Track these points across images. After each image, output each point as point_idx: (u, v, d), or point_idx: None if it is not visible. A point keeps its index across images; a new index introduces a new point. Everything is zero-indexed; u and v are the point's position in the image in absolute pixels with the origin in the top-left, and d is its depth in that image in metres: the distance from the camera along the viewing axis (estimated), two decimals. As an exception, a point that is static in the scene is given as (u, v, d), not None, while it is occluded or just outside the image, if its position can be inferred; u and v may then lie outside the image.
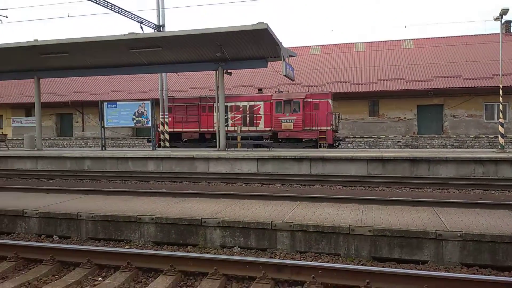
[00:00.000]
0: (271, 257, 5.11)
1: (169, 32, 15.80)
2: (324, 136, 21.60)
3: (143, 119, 18.83)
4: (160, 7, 22.09)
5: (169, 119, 24.21)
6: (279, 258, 5.05)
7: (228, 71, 18.35)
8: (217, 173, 13.83)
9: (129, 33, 15.44)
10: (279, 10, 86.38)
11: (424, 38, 33.85)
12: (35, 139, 19.93)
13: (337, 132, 23.30)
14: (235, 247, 5.53)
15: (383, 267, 4.67)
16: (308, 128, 21.78)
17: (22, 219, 6.46)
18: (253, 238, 5.51)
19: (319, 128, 21.58)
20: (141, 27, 21.52)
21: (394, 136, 28.11)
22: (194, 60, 18.05)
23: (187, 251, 5.43)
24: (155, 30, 21.86)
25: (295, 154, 14.28)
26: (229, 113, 22.85)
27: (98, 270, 4.84)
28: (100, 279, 4.66)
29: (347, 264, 4.78)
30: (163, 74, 23.43)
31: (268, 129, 22.38)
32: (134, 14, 21.35)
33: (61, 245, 5.31)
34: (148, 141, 28.13)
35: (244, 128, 22.40)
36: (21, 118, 33.92)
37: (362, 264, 4.83)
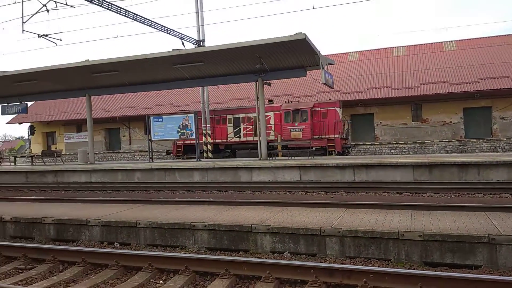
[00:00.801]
0: (321, 262, 5.25)
1: (209, 47, 16.38)
2: (333, 144, 21.88)
3: (187, 131, 19.51)
4: (200, 24, 22.88)
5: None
6: (329, 263, 5.18)
7: (268, 81, 18.67)
8: (260, 182, 14.09)
9: (173, 49, 16.13)
10: (315, 18, 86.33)
11: (466, 39, 32.71)
12: (88, 154, 21.12)
13: (347, 140, 23.43)
14: (285, 253, 5.71)
15: (435, 271, 4.69)
16: (317, 136, 22.09)
17: (86, 227, 6.99)
18: (302, 244, 5.67)
19: (327, 136, 21.84)
20: (183, 43, 22.37)
21: (440, 141, 27.27)
22: (234, 72, 18.54)
23: (240, 256, 5.68)
24: (196, 45, 22.63)
25: (338, 161, 14.28)
26: (241, 124, 23.91)
27: (159, 274, 5.18)
28: (161, 282, 5.00)
29: (398, 268, 4.83)
30: (205, 87, 24.14)
31: (276, 138, 22.88)
32: (176, 31, 22.26)
33: (124, 250, 5.72)
34: (167, 153, 28.94)
35: (255, 139, 22.21)
36: (73, 134, 35.94)
37: (414, 269, 4.86)
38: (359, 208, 7.00)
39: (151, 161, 20.06)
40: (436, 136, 28.20)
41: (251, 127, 23.55)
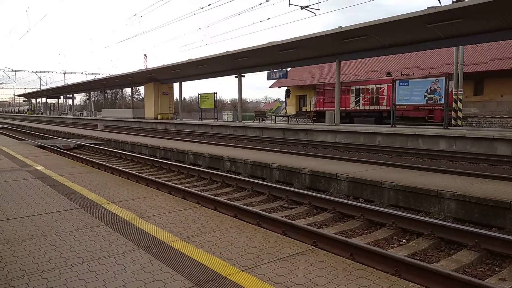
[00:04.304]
0: None
1: (471, 0, 14.43)
2: (432, 115, 23.21)
3: (436, 96, 18.20)
4: (460, -26, 20.29)
5: (320, 100, 30.20)
6: None
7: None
8: (524, 157, 12.03)
9: (427, 7, 15.04)
10: None
11: None
12: (334, 116, 22.69)
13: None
14: (553, 239, 4.93)
15: None
16: (419, 108, 23.18)
17: (335, 181, 7.83)
18: None
19: (428, 107, 22.71)
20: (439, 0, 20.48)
21: None
22: (499, 28, 15.84)
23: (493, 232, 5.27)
24: (454, 0, 20.34)
25: None
26: (361, 95, 27.04)
27: (402, 233, 5.42)
28: (404, 240, 5.23)
29: None
30: (460, 47, 21.70)
31: (389, 108, 24.13)
32: (431, -13, 20.53)
33: (371, 206, 6.19)
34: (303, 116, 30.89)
35: (372, 108, 26.27)
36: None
37: None
38: None
39: (393, 126, 19.87)
40: None
41: (369, 97, 26.53)
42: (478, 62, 29.35)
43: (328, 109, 28.36)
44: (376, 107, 26.25)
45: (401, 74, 26.43)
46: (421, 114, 23.87)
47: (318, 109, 30.03)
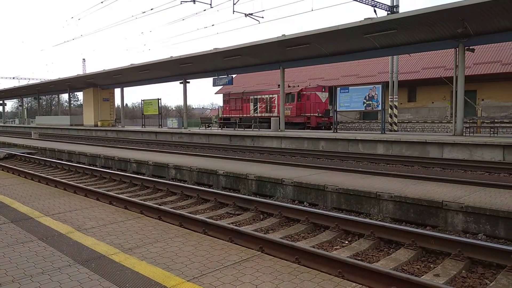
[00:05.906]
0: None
1: (404, 12, 15.39)
2: (310, 121, 27.15)
3: (373, 102, 19.16)
4: (394, -12, 21.64)
5: (227, 108, 32.81)
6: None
7: (471, 47, 16.54)
8: (452, 159, 12.97)
9: (365, 18, 15.84)
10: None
11: None
12: (279, 122, 23.07)
13: (327, 118, 27.08)
14: (479, 234, 5.34)
15: None
16: (300, 114, 27.79)
17: (281, 186, 7.94)
18: (502, 228, 5.19)
19: (307, 114, 27.40)
20: (375, 11, 21.63)
21: None
22: (429, 39, 17.06)
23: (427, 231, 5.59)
24: (389, 12, 21.61)
25: (559, 142, 11.89)
26: (258, 103, 30.44)
27: (345, 235, 5.60)
28: (346, 242, 5.40)
29: None
30: (395, 56, 23.06)
31: (278, 115, 27.36)
32: (368, -1, 21.64)
33: (315, 209, 6.33)
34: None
35: (266, 115, 29.29)
36: (266, 103, 39.47)
37: None
38: None
39: (335, 131, 20.59)
40: None
41: (264, 105, 29.98)
42: (411, 71, 31.36)
43: (232, 116, 31.77)
44: (269, 114, 29.24)
45: (288, 86, 29.71)
46: (301, 120, 27.61)
47: (225, 115, 32.93)
